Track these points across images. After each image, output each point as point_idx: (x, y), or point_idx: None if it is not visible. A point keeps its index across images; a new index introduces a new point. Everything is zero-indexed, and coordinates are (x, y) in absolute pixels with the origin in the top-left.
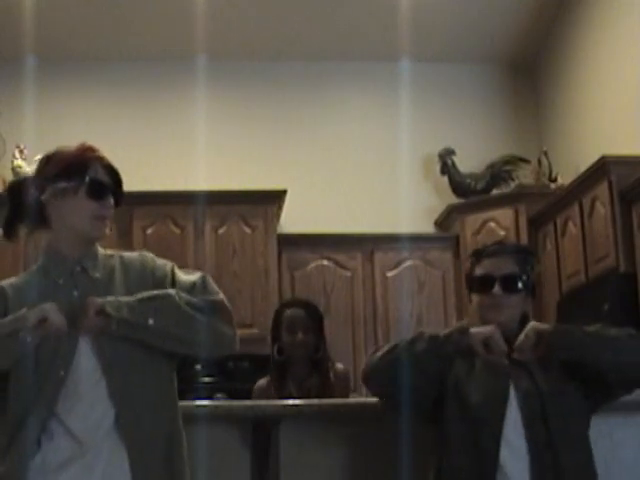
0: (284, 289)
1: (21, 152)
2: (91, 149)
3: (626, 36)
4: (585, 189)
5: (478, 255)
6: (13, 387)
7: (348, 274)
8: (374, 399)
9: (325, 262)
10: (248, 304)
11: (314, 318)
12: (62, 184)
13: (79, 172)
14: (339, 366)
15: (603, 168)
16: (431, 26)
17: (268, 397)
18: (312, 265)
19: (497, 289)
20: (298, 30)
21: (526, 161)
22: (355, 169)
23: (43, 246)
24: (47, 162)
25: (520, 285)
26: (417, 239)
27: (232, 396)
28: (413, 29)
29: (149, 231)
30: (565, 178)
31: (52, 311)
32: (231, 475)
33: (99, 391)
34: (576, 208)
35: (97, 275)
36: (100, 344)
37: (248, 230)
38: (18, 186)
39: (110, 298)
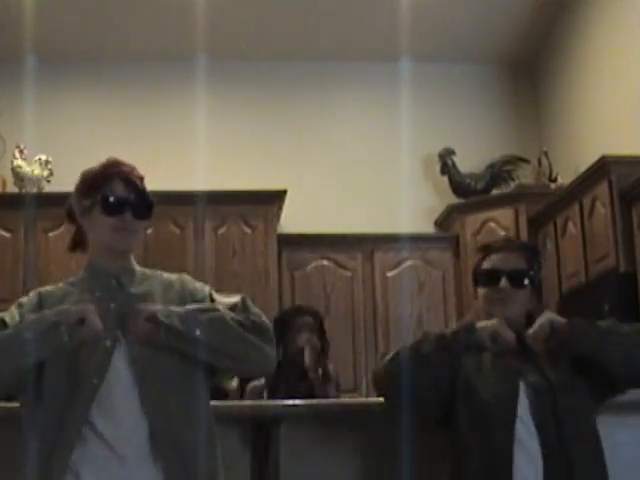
0: (284, 289)
1: (21, 152)
2: (112, 164)
3: (626, 36)
4: (585, 189)
5: (486, 250)
6: (47, 394)
7: (348, 274)
8: (374, 399)
9: (325, 262)
10: None
11: (322, 327)
12: (85, 202)
13: (95, 189)
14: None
15: (603, 168)
16: (431, 26)
17: (263, 398)
18: (312, 265)
19: (504, 283)
20: (298, 30)
21: (526, 161)
22: (355, 169)
23: (87, 260)
24: (79, 179)
25: (527, 281)
26: (417, 239)
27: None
28: (413, 29)
29: (149, 231)
30: (565, 178)
31: (92, 314)
32: (231, 475)
33: (132, 401)
34: (576, 208)
35: (133, 290)
36: (135, 355)
37: (248, 230)
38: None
39: (159, 306)
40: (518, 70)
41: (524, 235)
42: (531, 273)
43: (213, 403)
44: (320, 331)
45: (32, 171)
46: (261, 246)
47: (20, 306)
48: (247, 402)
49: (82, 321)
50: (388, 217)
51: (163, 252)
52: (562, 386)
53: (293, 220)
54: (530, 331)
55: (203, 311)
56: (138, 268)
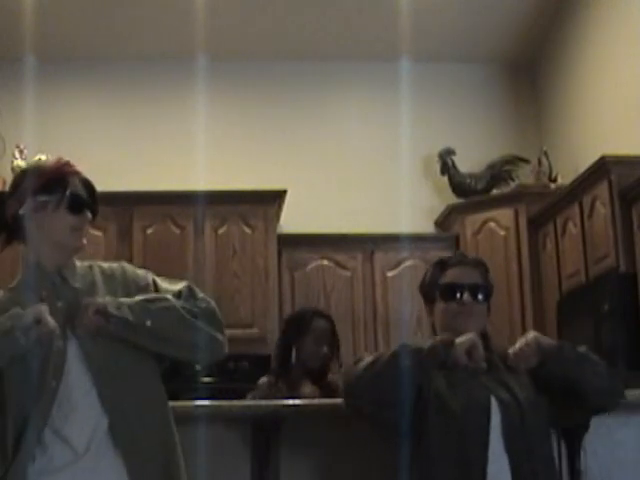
0: (284, 289)
1: (21, 152)
2: (69, 164)
3: (626, 36)
4: (585, 189)
5: (442, 265)
6: (8, 401)
7: (348, 274)
8: None
9: (325, 262)
10: (248, 304)
11: (336, 334)
12: (43, 198)
13: (60, 186)
14: (331, 376)
15: (603, 168)
16: (431, 26)
17: (272, 395)
18: (312, 265)
19: (467, 296)
20: (298, 30)
21: (526, 161)
22: (355, 169)
23: (22, 261)
24: (25, 176)
25: (485, 296)
26: (417, 239)
27: (232, 396)
28: (413, 29)
29: (149, 231)
30: (565, 178)
31: (45, 313)
32: (231, 475)
33: (91, 399)
34: (576, 208)
35: (78, 285)
36: (88, 352)
37: (248, 230)
38: None
39: (108, 298)
40: (518, 70)
41: (524, 235)
42: (488, 289)
43: (214, 403)
44: (333, 337)
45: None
46: (261, 246)
47: None
48: (247, 402)
49: (37, 321)
50: (388, 217)
51: (163, 252)
52: (528, 403)
53: (293, 220)
54: (515, 348)
55: (153, 301)
56: (78, 262)
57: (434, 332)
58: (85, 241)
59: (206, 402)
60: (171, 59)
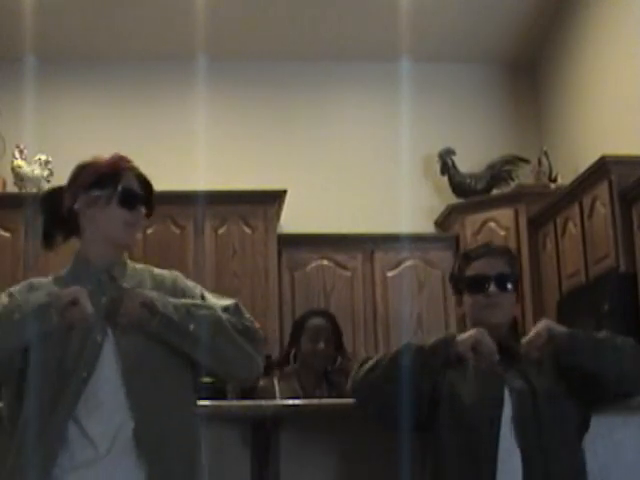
0: (284, 289)
1: (21, 152)
2: (124, 159)
3: (626, 36)
4: (585, 189)
5: (468, 257)
6: (32, 384)
7: (348, 274)
8: None
9: (325, 262)
10: (248, 304)
11: (336, 330)
12: (95, 193)
13: (112, 181)
14: (337, 377)
15: (603, 168)
16: (431, 26)
17: (272, 397)
18: (312, 265)
19: (493, 288)
20: (298, 30)
21: (526, 161)
22: (355, 169)
23: (73, 253)
24: (81, 171)
25: (512, 284)
26: (417, 239)
27: (231, 396)
28: (413, 29)
29: (149, 231)
30: (565, 178)
31: (84, 296)
32: (231, 475)
33: (119, 399)
34: (576, 208)
35: (125, 284)
36: (123, 351)
37: (248, 230)
38: (53, 195)
39: (155, 294)
40: (518, 70)
41: (524, 235)
42: (515, 277)
43: (214, 403)
44: (333, 334)
45: (32, 171)
46: (261, 246)
47: (11, 295)
48: (247, 402)
49: (74, 303)
50: (388, 217)
51: (163, 252)
52: (545, 392)
53: (293, 220)
54: (526, 338)
55: (199, 307)
56: (130, 262)
57: (463, 323)
58: (140, 236)
59: (206, 402)
60: (171, 59)
